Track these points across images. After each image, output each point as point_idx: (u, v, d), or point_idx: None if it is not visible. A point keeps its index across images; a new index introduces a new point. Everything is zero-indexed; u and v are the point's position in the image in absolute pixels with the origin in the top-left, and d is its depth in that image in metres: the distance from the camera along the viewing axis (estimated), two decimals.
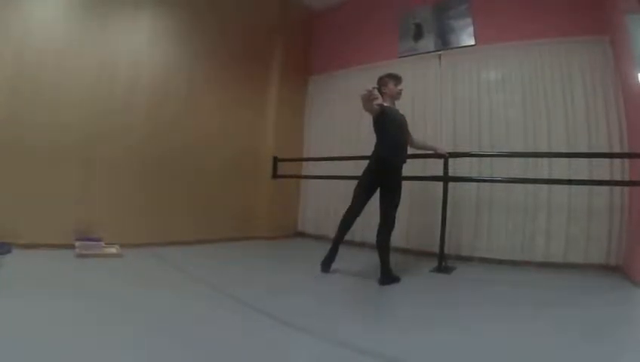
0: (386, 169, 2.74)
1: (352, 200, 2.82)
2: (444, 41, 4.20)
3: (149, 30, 3.71)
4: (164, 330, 1.59)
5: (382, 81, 2.91)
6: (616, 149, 3.19)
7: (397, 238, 3.57)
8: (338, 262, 2.88)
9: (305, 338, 1.60)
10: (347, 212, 2.83)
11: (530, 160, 3.46)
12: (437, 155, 3.29)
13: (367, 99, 2.53)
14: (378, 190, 2.78)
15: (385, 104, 2.76)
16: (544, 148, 3.45)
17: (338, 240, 2.85)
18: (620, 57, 3.17)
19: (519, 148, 3.53)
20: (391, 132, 2.76)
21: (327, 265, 2.83)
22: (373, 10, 4.92)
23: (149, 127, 3.66)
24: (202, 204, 4.10)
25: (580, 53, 3.44)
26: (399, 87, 2.88)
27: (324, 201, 4.92)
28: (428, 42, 4.31)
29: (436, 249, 3.30)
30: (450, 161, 3.42)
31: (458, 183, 3.67)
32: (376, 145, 2.84)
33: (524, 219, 3.49)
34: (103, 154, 3.35)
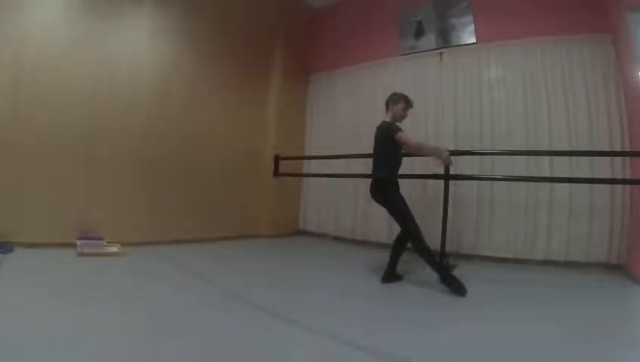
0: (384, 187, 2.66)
1: (415, 229, 2.57)
2: (445, 39, 4.19)
3: (150, 29, 3.70)
4: (165, 330, 1.59)
5: (393, 98, 2.76)
6: (618, 147, 3.19)
7: None
8: (341, 260, 2.88)
9: (306, 336, 1.60)
10: (416, 234, 2.58)
11: (532, 158, 3.46)
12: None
13: (447, 160, 2.63)
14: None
15: (389, 120, 2.69)
16: (545, 147, 3.44)
17: (432, 258, 2.58)
18: (621, 55, 3.16)
19: (520, 147, 3.53)
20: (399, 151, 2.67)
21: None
22: (374, 8, 4.91)
23: (150, 125, 3.66)
24: (204, 202, 4.10)
25: (582, 51, 3.43)
26: (407, 112, 2.77)
27: (325, 199, 4.92)
28: (429, 40, 4.31)
29: (437, 247, 3.29)
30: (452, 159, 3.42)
31: (459, 181, 3.67)
32: (390, 165, 2.67)
33: (525, 217, 3.49)
34: (104, 153, 3.35)
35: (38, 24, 3.04)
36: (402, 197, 2.62)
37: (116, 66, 3.44)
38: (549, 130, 3.47)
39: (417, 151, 2.72)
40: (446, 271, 2.53)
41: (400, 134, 2.55)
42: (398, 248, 2.70)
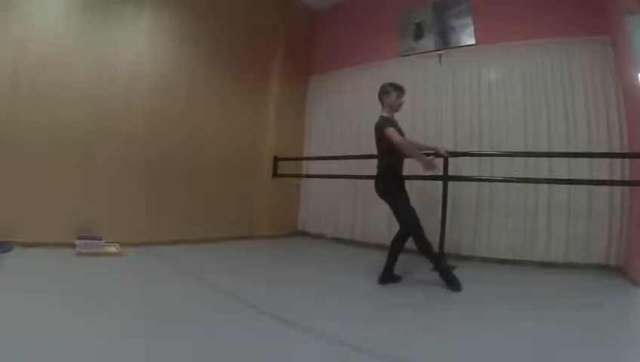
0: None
1: (413, 224, 2.58)
2: (444, 41, 4.20)
3: (150, 30, 3.70)
4: (164, 330, 1.59)
5: (383, 89, 2.72)
6: (617, 149, 3.20)
7: None
8: (340, 261, 2.88)
9: (306, 337, 1.61)
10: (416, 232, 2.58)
11: (531, 159, 3.46)
12: (436, 155, 3.28)
13: (428, 166, 2.50)
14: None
15: (384, 115, 2.66)
16: (544, 148, 3.45)
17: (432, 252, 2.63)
18: (620, 57, 3.17)
19: (519, 148, 3.53)
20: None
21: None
22: (373, 9, 4.91)
23: (149, 126, 3.66)
24: (203, 203, 4.10)
25: (581, 53, 3.44)
26: (401, 100, 2.70)
27: (324, 200, 4.92)
28: (428, 41, 4.31)
29: (436, 248, 3.30)
30: (451, 160, 3.42)
31: (458, 183, 3.67)
32: (386, 161, 2.67)
33: (524, 218, 3.49)
34: (103, 153, 3.34)
35: (38, 23, 3.04)
36: (404, 194, 2.61)
37: (116, 66, 3.44)
38: (548, 132, 3.47)
39: (402, 150, 2.54)
40: (445, 267, 2.57)
41: (387, 129, 2.49)
42: (395, 249, 2.69)
